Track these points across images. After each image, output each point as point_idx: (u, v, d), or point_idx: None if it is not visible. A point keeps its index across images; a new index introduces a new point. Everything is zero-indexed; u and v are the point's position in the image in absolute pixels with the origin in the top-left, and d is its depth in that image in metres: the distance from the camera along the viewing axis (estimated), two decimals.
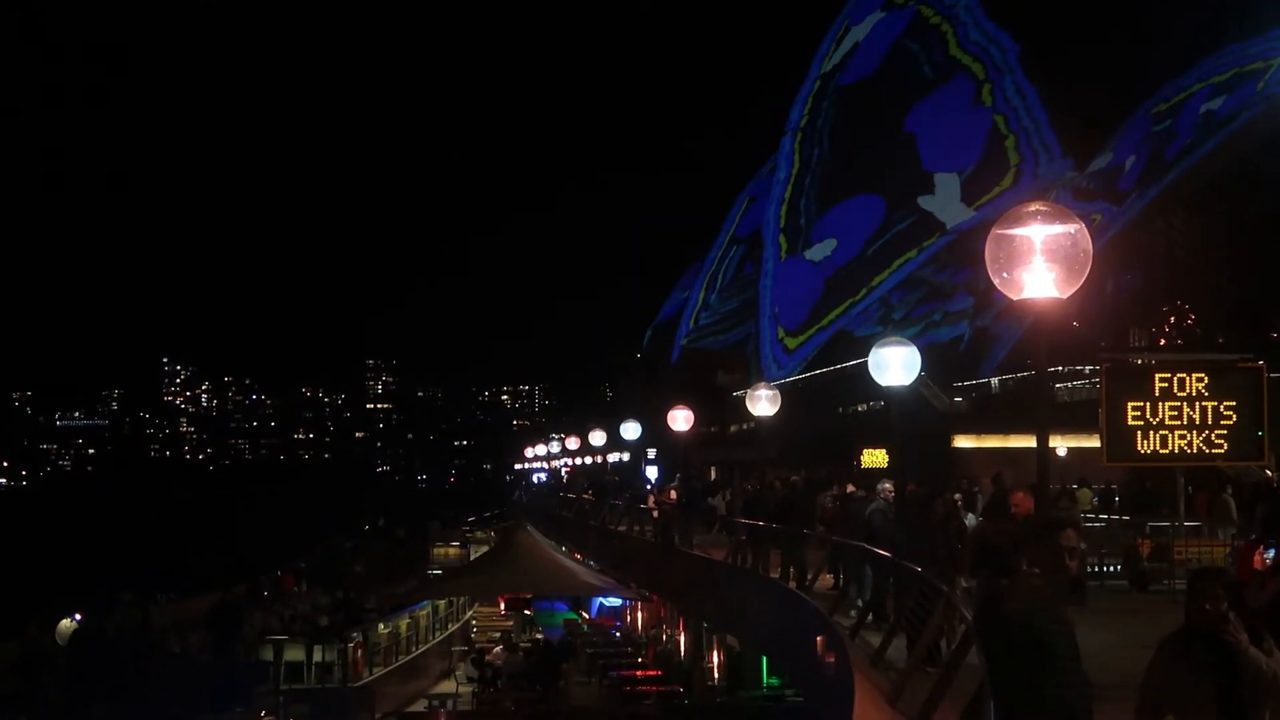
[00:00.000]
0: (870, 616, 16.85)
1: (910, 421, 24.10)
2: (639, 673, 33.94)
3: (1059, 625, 6.03)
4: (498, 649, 37.13)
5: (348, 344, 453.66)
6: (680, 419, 37.96)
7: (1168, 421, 20.55)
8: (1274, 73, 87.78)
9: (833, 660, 15.60)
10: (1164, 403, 20.57)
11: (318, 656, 32.51)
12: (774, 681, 28.34)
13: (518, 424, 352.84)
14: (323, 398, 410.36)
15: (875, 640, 15.13)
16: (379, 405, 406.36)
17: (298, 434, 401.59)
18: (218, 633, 31.61)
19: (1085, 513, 32.99)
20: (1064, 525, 6.53)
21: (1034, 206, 9.56)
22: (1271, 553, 13.21)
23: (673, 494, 37.62)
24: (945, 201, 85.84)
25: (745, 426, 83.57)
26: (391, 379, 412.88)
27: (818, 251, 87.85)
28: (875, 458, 55.21)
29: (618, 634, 44.54)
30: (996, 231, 9.52)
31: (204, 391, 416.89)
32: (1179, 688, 5.96)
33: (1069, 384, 61.71)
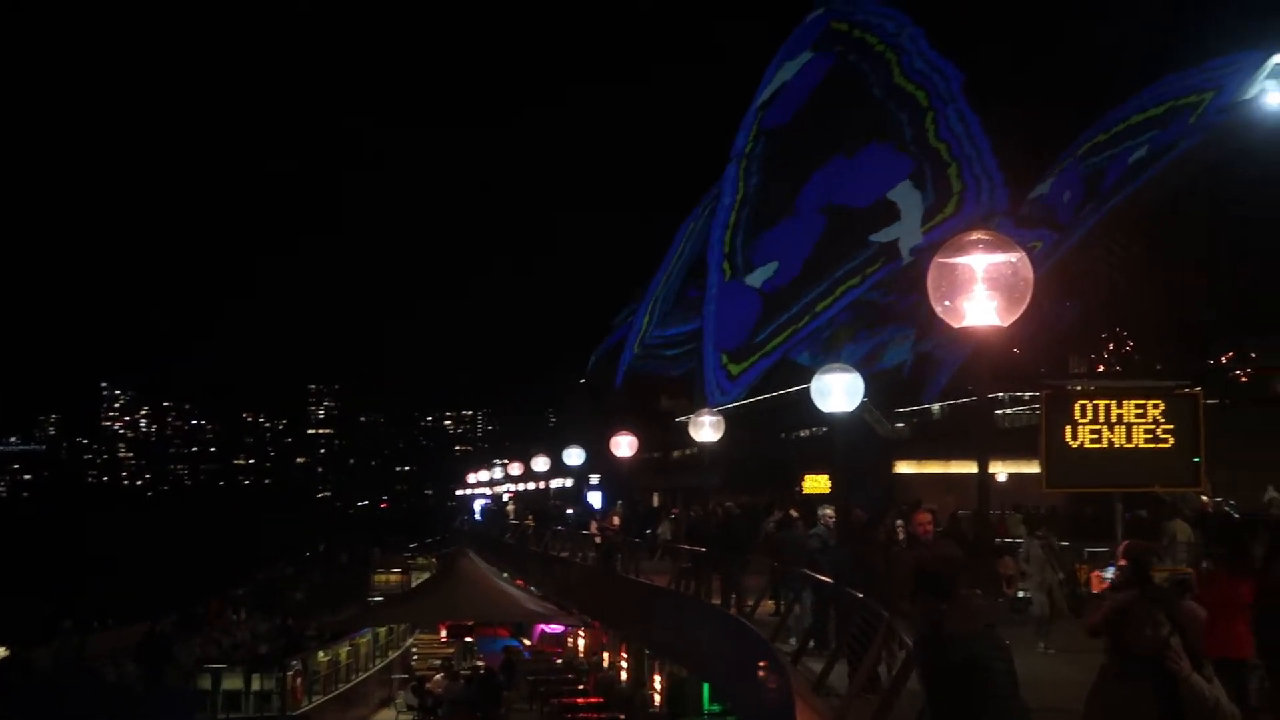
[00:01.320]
0: (812, 643, 16.81)
1: (852, 447, 24.12)
2: (580, 700, 33.77)
3: (998, 652, 6.02)
4: (439, 676, 36.83)
5: (289, 369, 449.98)
6: (624, 444, 37.94)
7: (1107, 448, 20.70)
8: (1208, 105, 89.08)
9: (774, 687, 15.55)
10: (1103, 429, 20.72)
11: (256, 685, 32.12)
12: (715, 708, 28.24)
13: (460, 449, 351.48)
14: (263, 423, 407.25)
15: (817, 667, 15.08)
16: (320, 430, 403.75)
17: (238, 459, 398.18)
18: (148, 663, 31.20)
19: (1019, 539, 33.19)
20: (1002, 552, 6.52)
21: (976, 235, 9.61)
22: (1110, 572, 13.37)
23: (616, 520, 37.51)
24: (887, 231, 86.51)
25: (688, 452, 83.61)
26: (333, 404, 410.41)
27: (759, 277, 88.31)
28: (817, 483, 55.39)
29: (559, 661, 44.32)
30: (939, 260, 9.56)
31: (143, 416, 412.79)
32: (1121, 714, 5.94)
33: (1009, 410, 62.19)
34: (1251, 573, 12.73)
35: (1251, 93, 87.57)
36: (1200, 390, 22.30)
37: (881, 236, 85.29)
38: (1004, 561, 6.95)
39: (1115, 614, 10.76)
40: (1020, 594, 19.57)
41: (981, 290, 9.41)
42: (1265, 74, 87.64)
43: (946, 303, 9.51)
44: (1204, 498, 33.34)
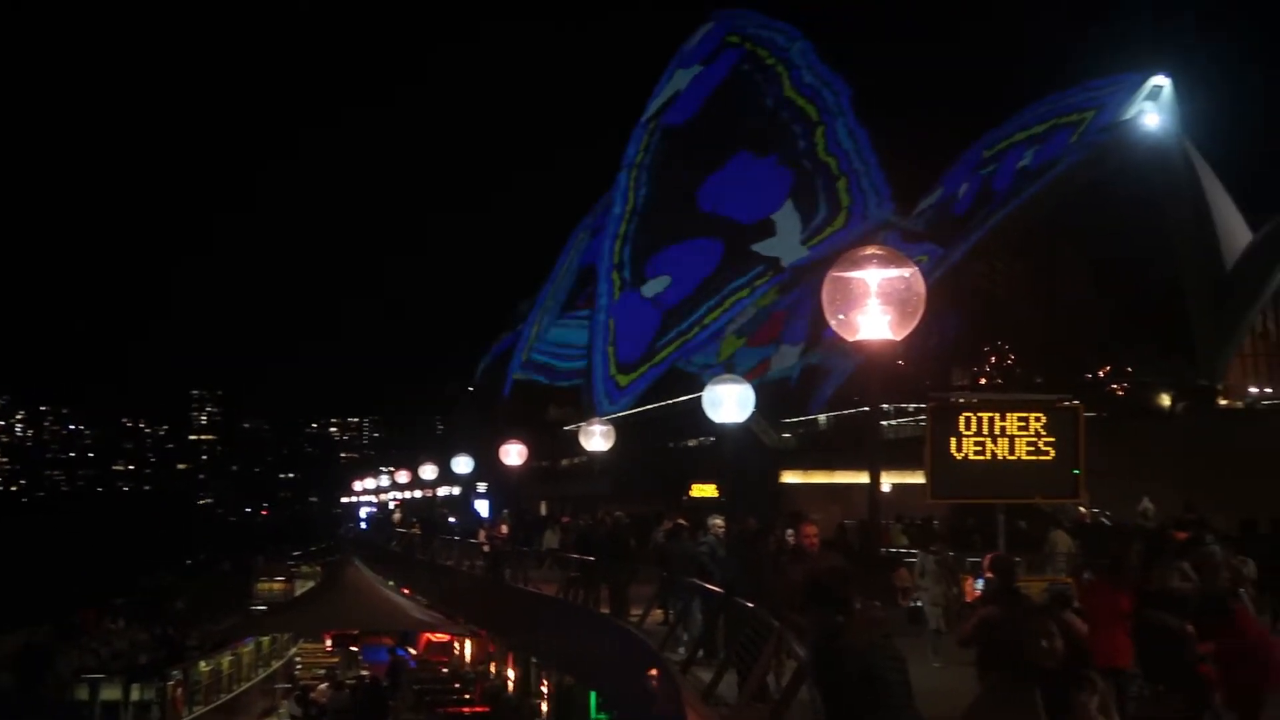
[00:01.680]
0: (701, 652, 16.86)
1: (740, 457, 24.31)
2: (466, 709, 33.66)
3: (893, 662, 6.09)
4: (323, 686, 36.50)
5: (171, 374, 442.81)
6: (513, 453, 37.87)
7: (989, 459, 21.06)
8: (1090, 123, 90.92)
9: (664, 696, 15.59)
10: (986, 441, 21.08)
11: (135, 696, 31.53)
12: (602, 717, 28.23)
13: (346, 456, 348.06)
14: (144, 428, 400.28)
15: (706, 676, 15.13)
16: (202, 436, 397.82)
17: (117, 465, 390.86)
18: (24, 674, 30.50)
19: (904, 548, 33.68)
20: (898, 564, 6.60)
21: (870, 250, 9.74)
22: (981, 583, 13.69)
23: (504, 528, 37.40)
24: (779, 241, 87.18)
25: (577, 461, 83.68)
26: (216, 409, 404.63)
27: (651, 288, 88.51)
28: (705, 492, 55.59)
29: (445, 670, 44.05)
30: (833, 274, 9.67)
31: (18, 421, 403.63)
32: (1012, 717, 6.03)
33: (894, 421, 62.99)
34: (1131, 583, 13.04)
35: (1130, 113, 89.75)
36: (1080, 404, 22.74)
37: (765, 249, 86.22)
38: (899, 573, 7.07)
39: (984, 625, 10.96)
40: (915, 603, 19.87)
41: (875, 304, 9.55)
42: (1143, 95, 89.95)
43: (841, 316, 9.63)
44: (1081, 509, 34.04)
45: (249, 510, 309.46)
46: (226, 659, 37.59)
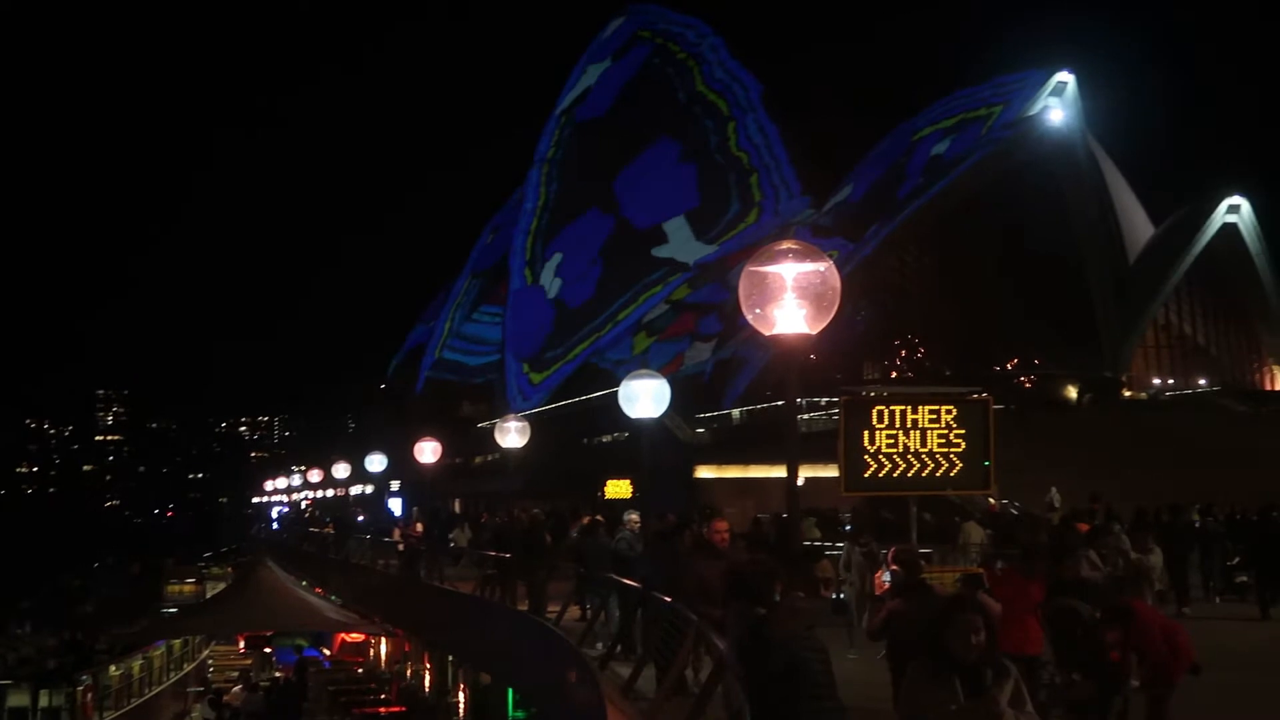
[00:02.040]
0: (619, 648, 16.90)
1: (654, 452, 24.34)
2: (382, 709, 33.44)
3: (817, 654, 6.15)
4: (236, 689, 36.16)
5: (75, 374, 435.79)
6: (428, 451, 37.67)
7: (902, 452, 21.28)
8: (998, 118, 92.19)
9: (584, 692, 15.61)
10: (899, 434, 21.30)
11: (44, 701, 31.15)
12: (520, 715, 28.19)
13: (256, 456, 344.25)
14: (48, 429, 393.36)
15: (624, 671, 15.17)
16: (109, 437, 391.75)
17: (20, 467, 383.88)
18: None
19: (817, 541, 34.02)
20: (820, 556, 6.66)
21: (786, 245, 9.81)
22: (888, 576, 13.92)
23: (419, 527, 37.20)
24: (691, 237, 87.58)
25: (490, 458, 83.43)
26: (122, 410, 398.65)
27: (562, 283, 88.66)
28: (619, 488, 55.68)
29: (361, 670, 43.76)
30: (750, 268, 9.73)
31: None
32: (934, 710, 6.10)
33: (806, 415, 63.46)
34: (1041, 572, 13.27)
35: (1036, 108, 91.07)
36: (990, 396, 23.04)
37: (677, 245, 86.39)
38: (821, 564, 7.16)
39: (892, 618, 11.11)
40: (838, 595, 20.08)
41: (791, 298, 9.61)
42: (1048, 90, 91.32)
43: (757, 310, 9.69)
44: (991, 500, 34.51)
45: (156, 512, 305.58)
46: (137, 662, 37.17)
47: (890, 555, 13.38)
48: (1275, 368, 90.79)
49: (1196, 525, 28.54)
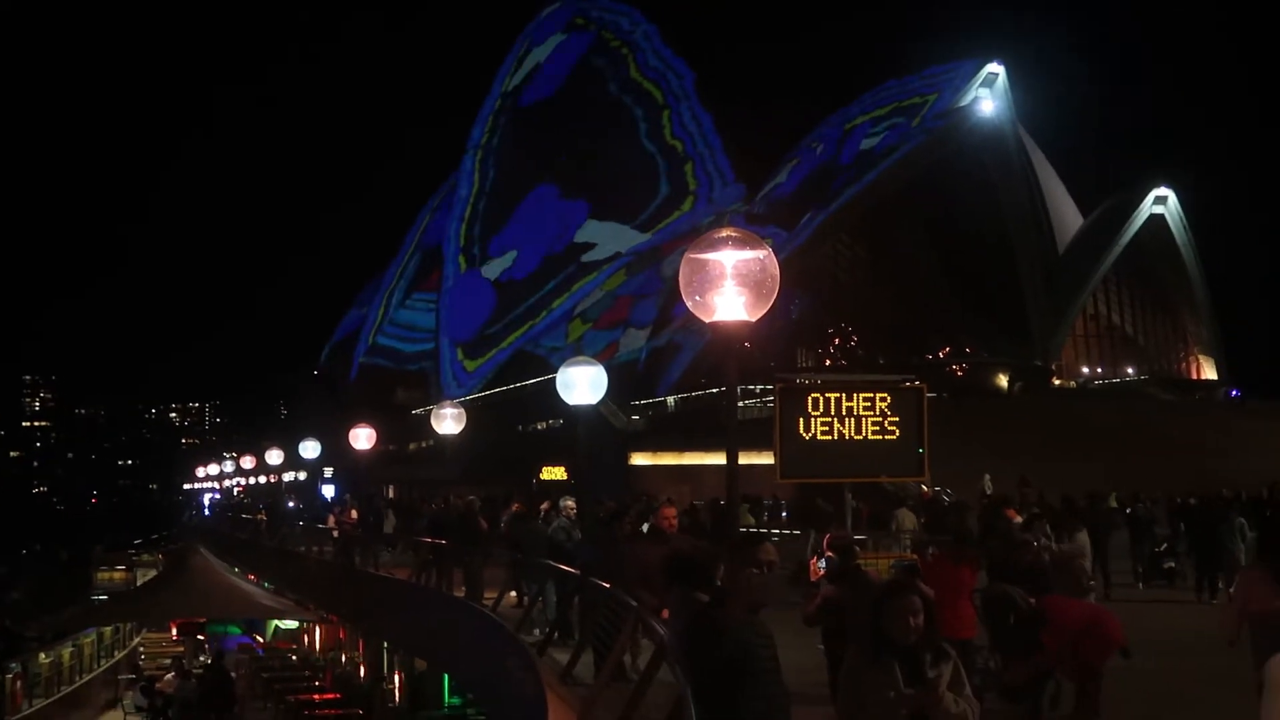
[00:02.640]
0: (555, 634, 16.95)
1: (590, 439, 24.42)
2: (317, 696, 33.27)
3: (762, 639, 6.22)
4: (169, 676, 35.81)
5: (0, 359, 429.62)
6: (362, 437, 37.47)
7: (837, 440, 21.47)
8: (929, 108, 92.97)
9: (523, 678, 15.65)
10: (834, 421, 21.49)
11: None
12: (455, 701, 28.22)
13: (187, 442, 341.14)
14: None
15: (563, 658, 15.23)
16: (36, 423, 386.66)
17: None
18: None
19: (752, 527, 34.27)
20: (761, 539, 6.74)
21: (725, 232, 9.89)
22: (823, 563, 14.11)
23: (353, 514, 37.04)
24: (626, 224, 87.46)
25: (425, 444, 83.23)
26: (50, 396, 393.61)
27: (495, 268, 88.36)
28: (554, 474, 55.67)
29: (294, 657, 43.56)
30: (690, 255, 9.80)
31: None
32: (874, 693, 6.19)
33: (740, 403, 63.72)
34: (972, 557, 13.49)
35: (967, 99, 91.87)
36: (924, 384, 23.28)
37: (612, 232, 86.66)
38: (764, 547, 7.19)
39: (827, 604, 11.25)
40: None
41: (731, 286, 9.69)
42: (979, 81, 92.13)
43: (697, 297, 9.76)
44: (924, 487, 34.88)
45: (84, 499, 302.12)
46: (67, 650, 36.79)
47: (826, 541, 13.52)
48: (1201, 357, 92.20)
49: (1128, 511, 29.04)
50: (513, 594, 21.39)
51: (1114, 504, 31.09)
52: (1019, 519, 25.25)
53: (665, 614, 9.84)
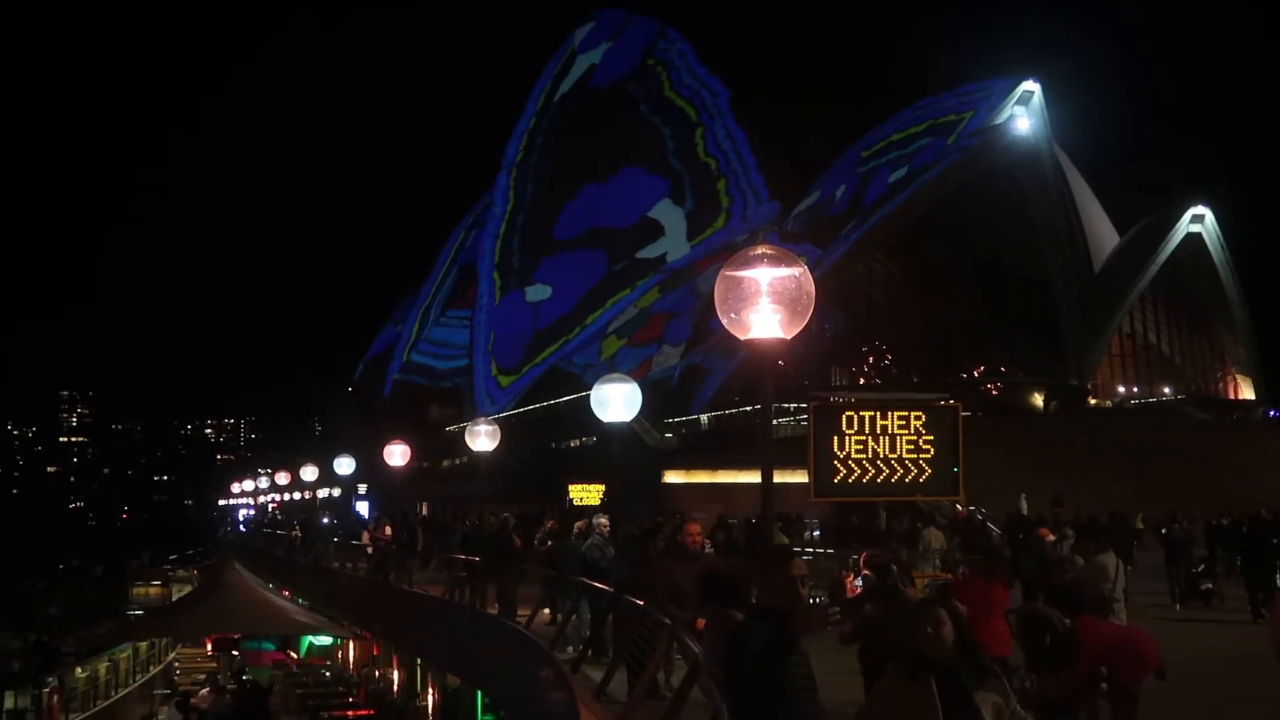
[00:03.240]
0: (589, 652, 16.95)
1: (623, 457, 24.52)
2: (350, 712, 33.37)
3: (798, 655, 6.21)
4: (204, 691, 36.00)
5: (39, 374, 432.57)
6: (397, 454, 37.62)
7: (872, 458, 21.43)
8: (965, 126, 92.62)
9: (557, 695, 15.66)
10: (868, 440, 21.45)
11: (10, 703, 31.00)
12: (489, 718, 28.23)
13: (222, 458, 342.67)
14: (11, 430, 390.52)
15: (596, 675, 15.23)
16: (73, 439, 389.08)
17: None
18: None
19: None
20: (794, 554, 6.73)
21: (761, 250, 9.91)
22: (860, 581, 14.06)
23: (388, 530, 37.15)
24: (656, 243, 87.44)
25: (459, 461, 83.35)
26: (87, 411, 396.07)
27: (535, 292, 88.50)
28: (587, 493, 55.58)
29: (328, 674, 43.68)
30: (725, 273, 9.82)
31: None
32: (909, 713, 6.16)
33: (774, 421, 63.58)
34: (1004, 575, 13.47)
35: (1002, 117, 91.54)
36: (958, 403, 23.21)
37: (646, 250, 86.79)
38: (796, 563, 7.18)
39: (864, 623, 11.21)
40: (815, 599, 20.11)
41: (766, 303, 9.71)
42: (1014, 99, 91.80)
43: (733, 315, 9.78)
44: (958, 506, 34.74)
45: (115, 514, 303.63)
46: (103, 664, 37.04)
47: (862, 560, 13.50)
48: (1239, 376, 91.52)
49: (1163, 532, 28.90)
50: (546, 611, 21.41)
51: (1140, 524, 31.01)
52: (1051, 538, 25.28)
53: (700, 624, 9.84)
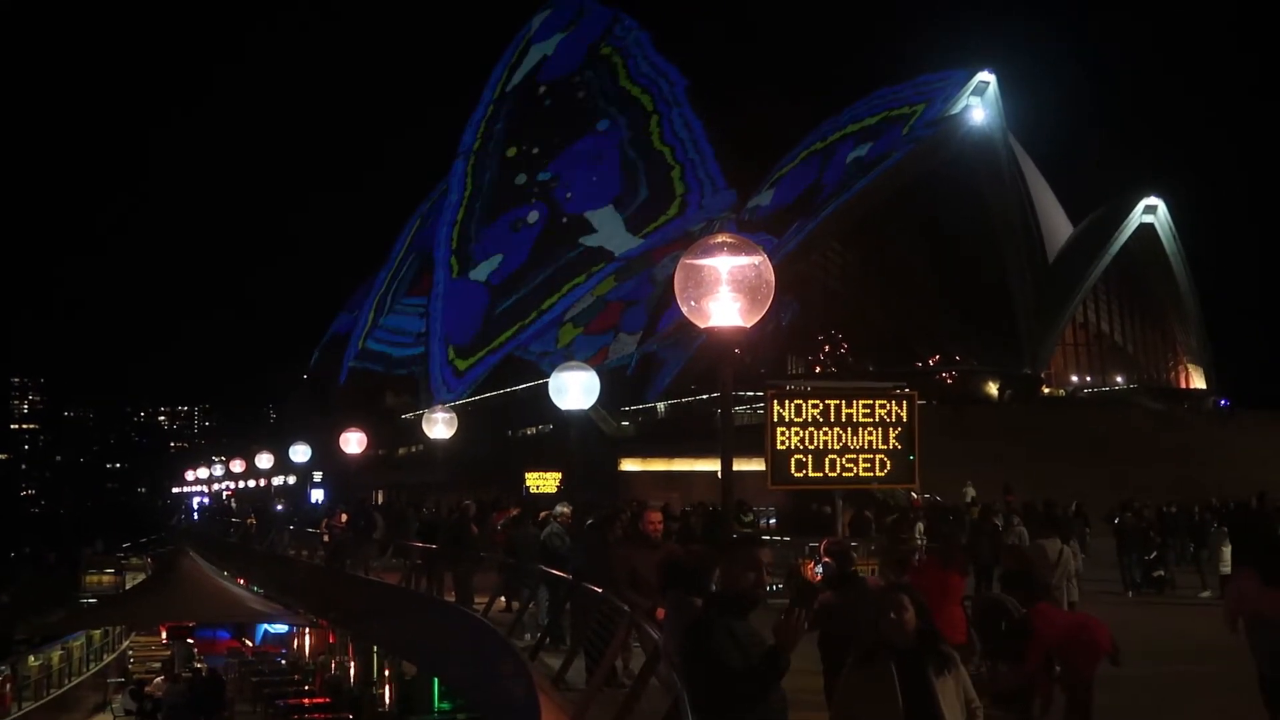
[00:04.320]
0: (547, 639, 16.97)
1: (580, 445, 24.55)
2: (306, 700, 33.23)
3: (756, 643, 6.25)
4: (158, 679, 35.80)
5: None
6: (353, 441, 37.46)
7: (828, 446, 21.55)
8: (919, 117, 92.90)
9: (516, 683, 15.67)
10: (825, 429, 21.57)
11: None
12: (446, 706, 28.21)
13: (176, 445, 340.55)
14: None
15: (554, 662, 15.26)
16: (24, 426, 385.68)
17: None
18: None
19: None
20: (758, 541, 6.77)
21: (721, 238, 9.94)
22: (820, 568, 14.18)
23: (343, 517, 37.02)
24: (611, 230, 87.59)
25: (414, 449, 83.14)
26: (38, 398, 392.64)
27: (485, 273, 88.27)
28: (544, 481, 55.51)
29: (284, 661, 43.52)
30: (685, 261, 9.85)
31: None
32: (870, 700, 6.24)
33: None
34: (959, 562, 13.60)
35: (958, 108, 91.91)
36: (914, 391, 23.35)
37: (600, 237, 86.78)
38: (761, 551, 7.23)
39: (823, 609, 11.29)
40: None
41: (726, 291, 9.74)
42: (970, 90, 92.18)
43: (693, 303, 9.81)
44: (913, 494, 34.97)
45: (67, 502, 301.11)
46: (56, 653, 36.78)
47: (823, 546, 13.58)
48: (1190, 366, 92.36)
49: (1115, 521, 29.23)
50: (503, 599, 21.41)
51: (1074, 512, 31.54)
52: (996, 523, 25.59)
53: (660, 614, 9.88)
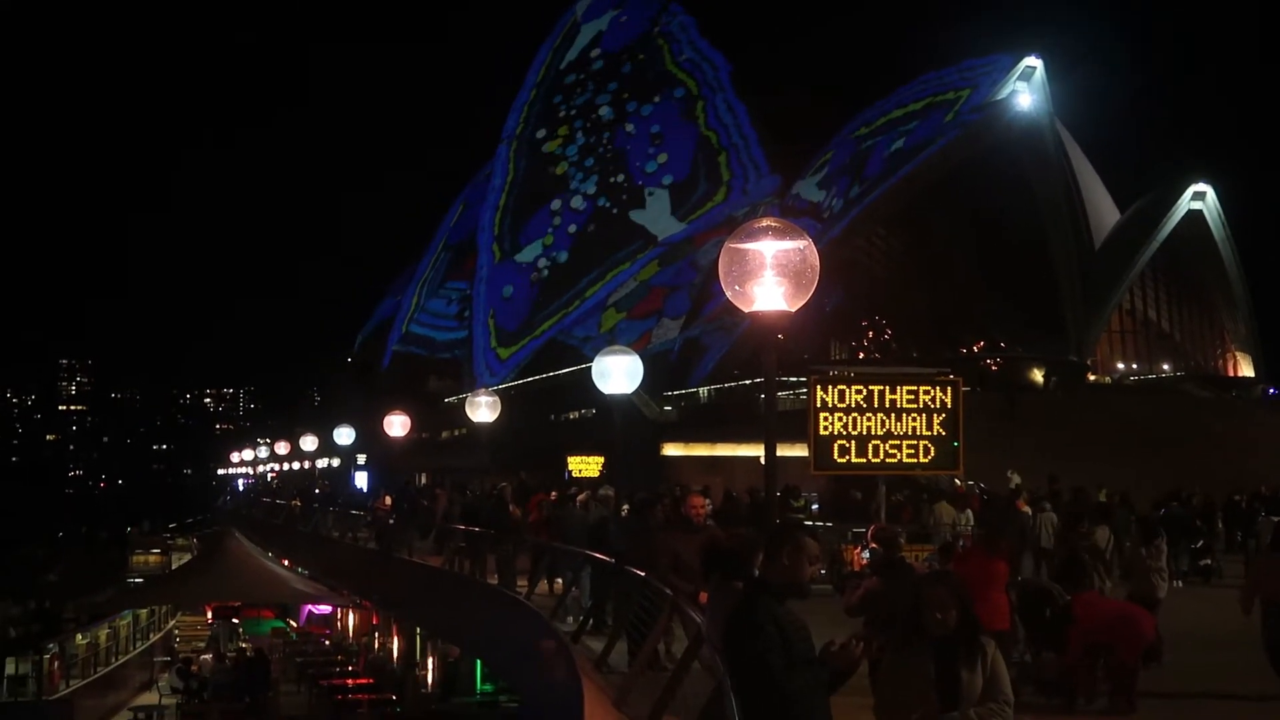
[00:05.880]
0: (590, 622, 17.01)
1: (622, 429, 24.58)
2: (350, 681, 33.46)
3: (798, 629, 6.27)
4: (204, 658, 36.14)
5: (38, 342, 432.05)
6: (397, 424, 37.65)
7: (871, 432, 21.45)
8: (964, 103, 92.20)
9: (559, 665, 15.73)
10: (868, 415, 21.47)
11: (11, 669, 31.12)
12: (488, 688, 28.37)
13: (221, 427, 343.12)
14: (10, 398, 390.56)
15: (596, 645, 15.30)
16: (72, 407, 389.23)
17: None
18: None
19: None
20: (804, 528, 6.76)
21: (766, 222, 9.91)
22: (867, 554, 14.17)
23: (387, 500, 37.25)
24: (657, 215, 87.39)
25: (457, 433, 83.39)
26: (86, 379, 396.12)
27: (529, 258, 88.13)
28: (586, 465, 55.65)
29: (328, 642, 43.85)
30: (730, 245, 9.82)
31: None
32: (907, 685, 6.27)
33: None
34: (1004, 550, 13.56)
35: (1004, 93, 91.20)
36: (959, 378, 23.20)
37: (646, 222, 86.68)
38: (809, 543, 7.22)
39: (870, 595, 11.29)
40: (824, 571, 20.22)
41: (770, 276, 9.72)
42: (1016, 75, 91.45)
43: (737, 287, 9.79)
44: (957, 481, 34.83)
45: (99, 483, 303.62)
46: (103, 631, 37.13)
47: (870, 533, 13.57)
48: (1238, 354, 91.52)
49: (1161, 512, 29.03)
50: (544, 582, 21.49)
51: (1102, 497, 31.40)
52: (1026, 510, 25.45)
53: (703, 598, 9.88)
